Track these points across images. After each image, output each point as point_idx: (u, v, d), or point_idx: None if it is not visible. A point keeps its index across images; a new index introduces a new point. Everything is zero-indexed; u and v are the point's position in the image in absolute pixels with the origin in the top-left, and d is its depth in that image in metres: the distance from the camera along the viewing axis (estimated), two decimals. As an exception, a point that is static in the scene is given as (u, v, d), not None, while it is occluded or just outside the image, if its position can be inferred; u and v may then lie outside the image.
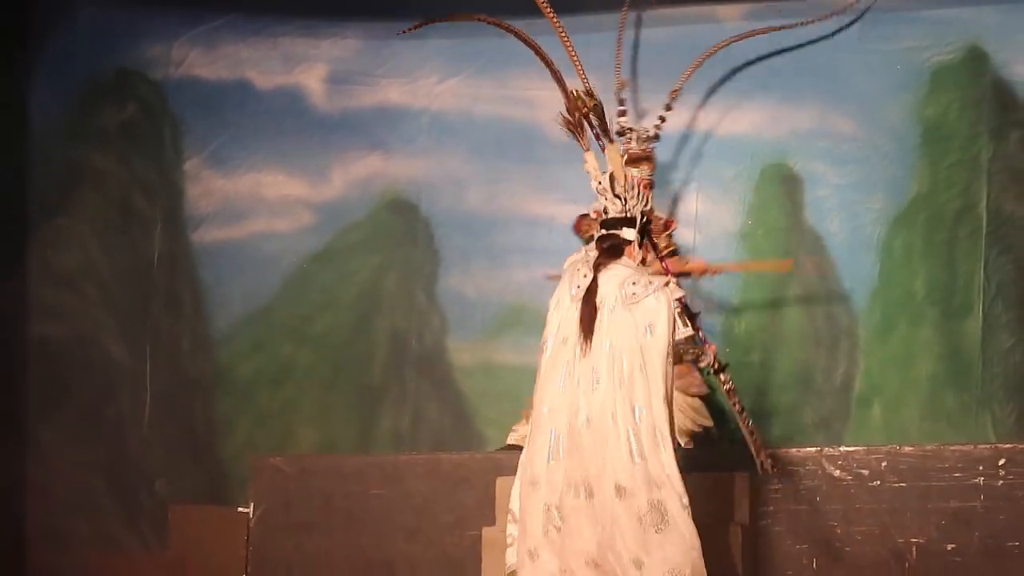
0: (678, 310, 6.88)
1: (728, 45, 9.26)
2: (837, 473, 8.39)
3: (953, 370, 9.19)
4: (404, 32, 8.14)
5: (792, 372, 9.42)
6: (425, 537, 8.78)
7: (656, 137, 8.93)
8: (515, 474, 6.94)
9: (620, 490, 6.63)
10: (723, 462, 8.39)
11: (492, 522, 8.11)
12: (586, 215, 8.83)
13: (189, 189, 10.31)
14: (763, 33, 9.37)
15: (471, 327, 9.86)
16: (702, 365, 7.36)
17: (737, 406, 7.37)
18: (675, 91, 9.04)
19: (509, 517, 6.95)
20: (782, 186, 9.53)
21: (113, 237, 10.33)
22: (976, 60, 9.40)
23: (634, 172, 8.44)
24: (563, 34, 7.38)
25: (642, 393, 6.67)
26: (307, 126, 10.20)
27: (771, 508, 8.39)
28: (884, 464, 8.36)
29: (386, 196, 10.10)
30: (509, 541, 6.94)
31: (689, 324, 7.08)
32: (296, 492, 9.10)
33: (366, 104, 10.18)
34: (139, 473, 10.09)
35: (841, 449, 8.51)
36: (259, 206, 10.23)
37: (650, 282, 6.81)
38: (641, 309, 6.76)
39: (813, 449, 8.52)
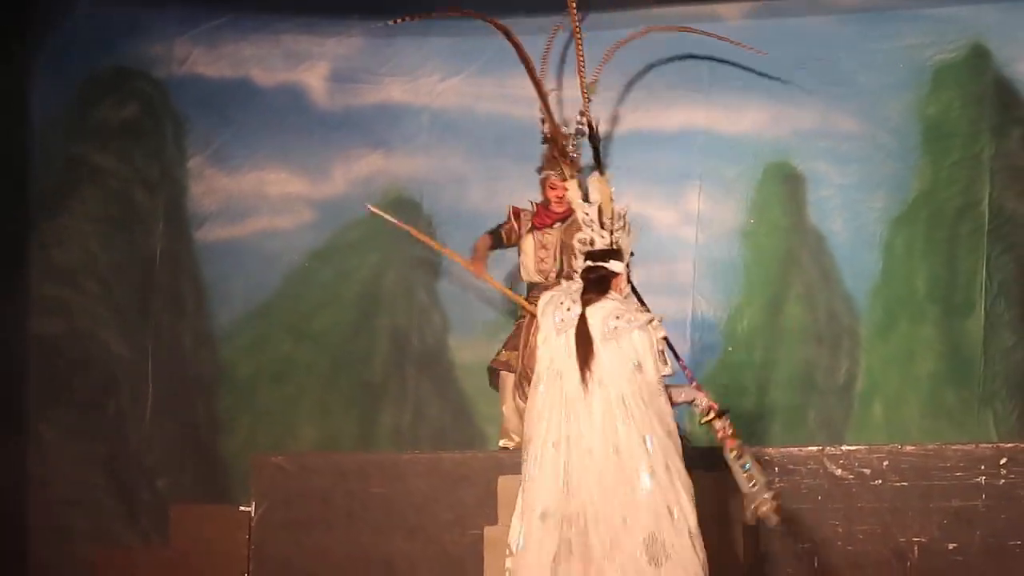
0: (660, 349, 6.82)
1: (646, 34, 9.13)
2: (839, 472, 8.39)
3: (955, 368, 9.20)
4: (392, 23, 8.13)
5: (794, 371, 9.42)
6: (425, 535, 8.78)
7: (581, 134, 8.72)
8: (516, 473, 6.92)
9: (623, 520, 6.61)
10: (724, 461, 8.39)
11: (494, 520, 8.10)
12: (508, 222, 8.81)
13: (192, 187, 10.32)
14: (687, 30, 9.27)
15: (472, 325, 9.85)
16: (698, 413, 7.04)
17: (735, 451, 6.93)
18: (592, 82, 8.90)
19: (507, 551, 6.91)
20: (784, 185, 9.52)
21: (114, 234, 10.33)
22: (978, 58, 9.39)
23: (551, 174, 8.44)
24: (578, 36, 7.37)
25: (645, 424, 6.64)
26: (309, 124, 10.20)
27: (773, 507, 8.39)
28: (886, 463, 8.36)
29: (388, 194, 10.09)
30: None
31: (671, 363, 6.96)
32: (297, 490, 9.09)
33: (368, 102, 10.18)
34: (140, 470, 10.10)
35: (843, 448, 8.51)
36: (261, 204, 10.23)
37: (634, 318, 6.77)
38: (626, 342, 6.72)
39: (815, 448, 8.53)
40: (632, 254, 6.94)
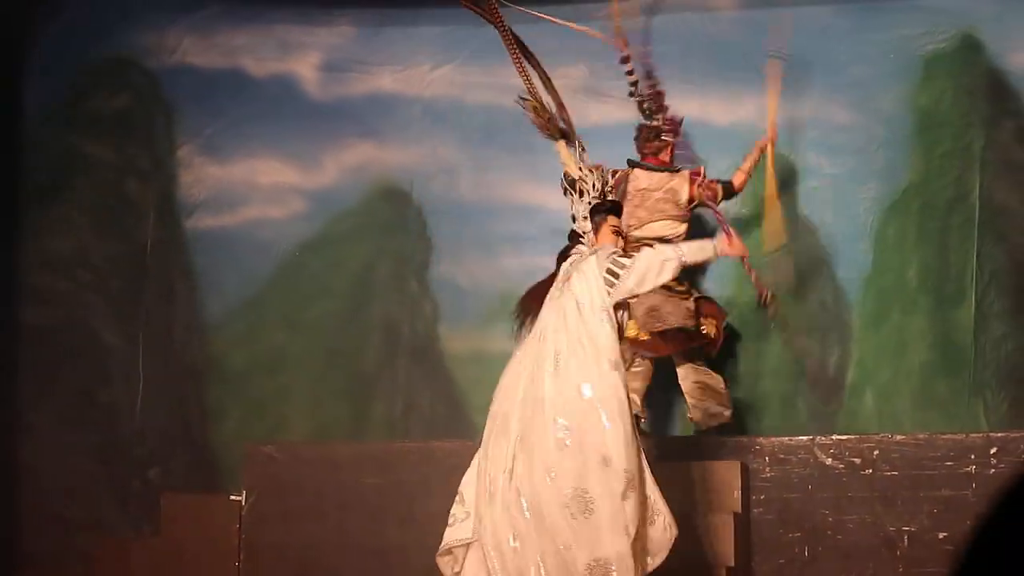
0: (607, 268, 6.91)
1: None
2: (829, 461, 8.40)
3: (946, 359, 9.19)
4: None
5: (785, 360, 9.41)
6: (418, 525, 8.77)
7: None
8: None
9: (548, 474, 6.70)
10: (715, 451, 8.40)
11: (485, 510, 8.10)
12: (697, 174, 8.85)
13: (182, 176, 10.30)
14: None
15: (463, 315, 9.84)
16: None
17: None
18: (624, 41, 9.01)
19: (458, 497, 7.06)
20: (776, 175, 9.51)
21: (106, 224, 10.32)
22: (970, 49, 9.39)
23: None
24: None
25: (579, 373, 6.73)
26: (301, 113, 10.18)
27: (763, 496, 8.41)
28: (876, 453, 8.38)
29: (379, 184, 10.09)
30: (451, 521, 7.05)
31: (624, 282, 7.04)
32: (288, 480, 9.11)
33: (359, 92, 10.16)
34: (131, 459, 10.08)
35: (833, 437, 8.53)
36: (252, 193, 10.22)
37: (581, 256, 6.90)
38: (571, 286, 6.87)
39: (805, 437, 8.55)
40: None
